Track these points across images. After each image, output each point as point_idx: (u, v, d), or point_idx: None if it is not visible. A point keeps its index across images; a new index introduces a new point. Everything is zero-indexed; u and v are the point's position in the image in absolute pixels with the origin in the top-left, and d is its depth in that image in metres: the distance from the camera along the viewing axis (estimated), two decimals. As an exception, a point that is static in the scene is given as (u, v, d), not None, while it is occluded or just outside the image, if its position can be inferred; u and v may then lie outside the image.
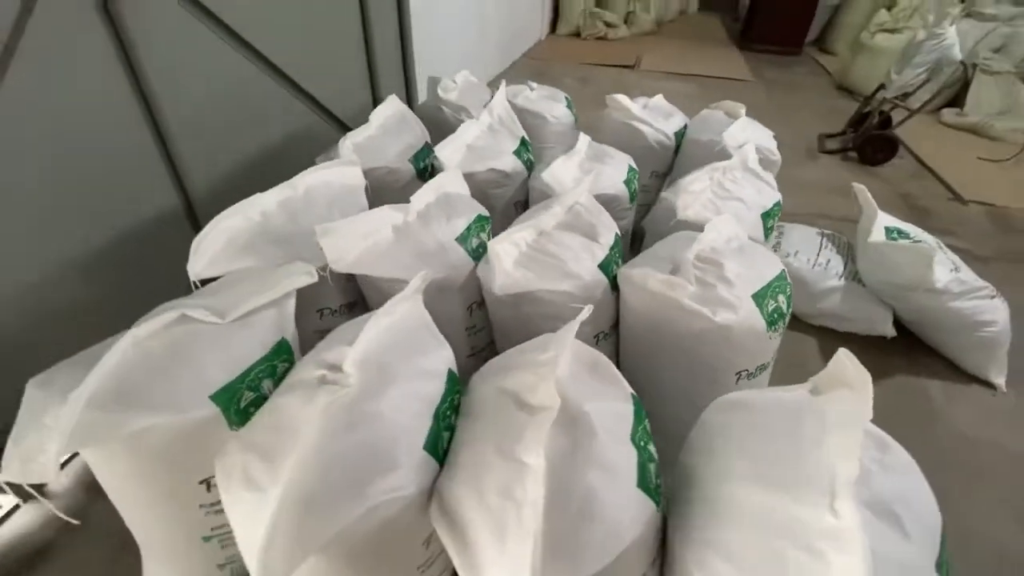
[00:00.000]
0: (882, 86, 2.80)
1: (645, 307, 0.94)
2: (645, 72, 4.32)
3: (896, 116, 2.81)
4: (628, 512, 0.58)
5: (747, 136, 1.50)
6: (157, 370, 0.70)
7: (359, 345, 0.68)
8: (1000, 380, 1.44)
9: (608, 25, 5.20)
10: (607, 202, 1.24)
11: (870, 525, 0.52)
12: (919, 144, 2.99)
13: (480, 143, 1.42)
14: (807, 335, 1.59)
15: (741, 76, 4.38)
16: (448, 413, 0.73)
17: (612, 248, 1.04)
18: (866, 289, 1.54)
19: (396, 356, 0.72)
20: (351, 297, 1.12)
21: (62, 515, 0.71)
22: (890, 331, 1.49)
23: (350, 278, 1.07)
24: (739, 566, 0.53)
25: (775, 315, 0.92)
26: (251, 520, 0.56)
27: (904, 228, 1.54)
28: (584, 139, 1.40)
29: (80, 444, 0.65)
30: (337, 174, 1.16)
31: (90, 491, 1.07)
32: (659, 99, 1.82)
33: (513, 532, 0.53)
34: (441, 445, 0.70)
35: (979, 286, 1.40)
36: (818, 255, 1.61)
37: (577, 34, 5.25)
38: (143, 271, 1.23)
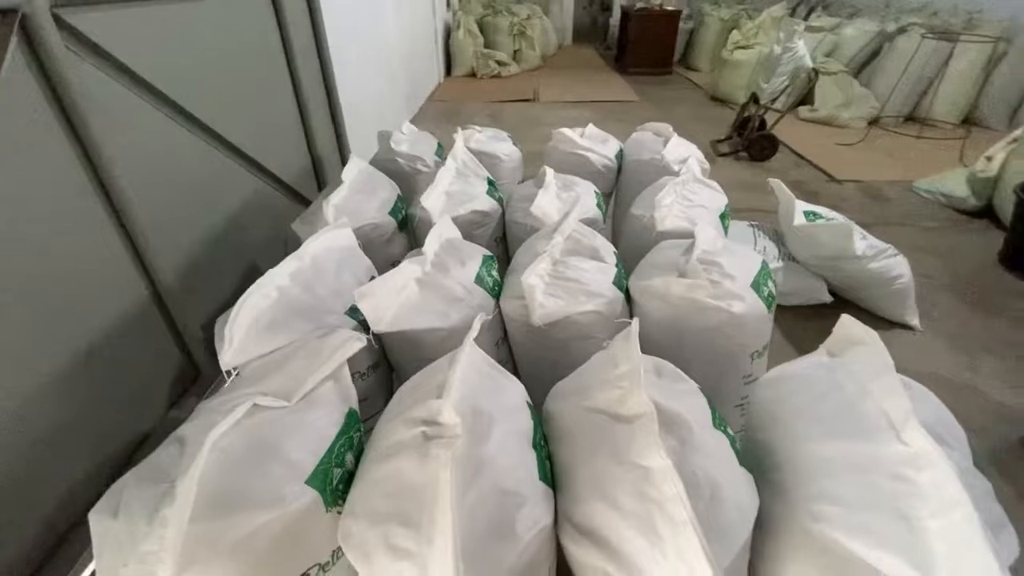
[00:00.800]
0: (754, 95, 3.25)
1: (664, 313, 1.04)
2: (546, 103, 4.63)
3: (769, 118, 3.29)
4: (744, 490, 0.66)
5: (685, 151, 1.70)
6: (245, 467, 0.67)
7: (453, 394, 0.70)
8: (915, 321, 1.74)
9: (500, 64, 5.51)
10: (589, 225, 1.34)
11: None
12: (790, 138, 3.50)
13: (455, 188, 1.47)
14: (762, 314, 1.80)
15: (629, 97, 4.84)
16: (542, 443, 0.77)
17: (617, 265, 1.14)
18: (800, 266, 1.79)
19: (484, 400, 0.75)
20: (375, 359, 1.11)
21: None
22: (827, 297, 1.75)
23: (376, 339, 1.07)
24: (847, 506, 0.63)
25: (769, 299, 1.07)
26: (414, 572, 0.56)
27: (817, 210, 1.81)
28: (550, 171, 1.51)
29: (189, 563, 0.60)
30: (335, 238, 1.16)
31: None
32: (592, 128, 1.99)
33: (666, 529, 0.59)
34: (547, 473, 0.73)
35: (885, 247, 1.68)
36: (755, 245, 1.84)
37: (473, 74, 5.50)
38: (119, 371, 1.13)
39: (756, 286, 1.05)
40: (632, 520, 0.61)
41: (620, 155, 1.91)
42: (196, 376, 1.41)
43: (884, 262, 1.67)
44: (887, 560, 0.57)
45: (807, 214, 1.77)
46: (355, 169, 1.49)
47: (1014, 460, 1.29)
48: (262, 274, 0.97)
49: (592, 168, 1.82)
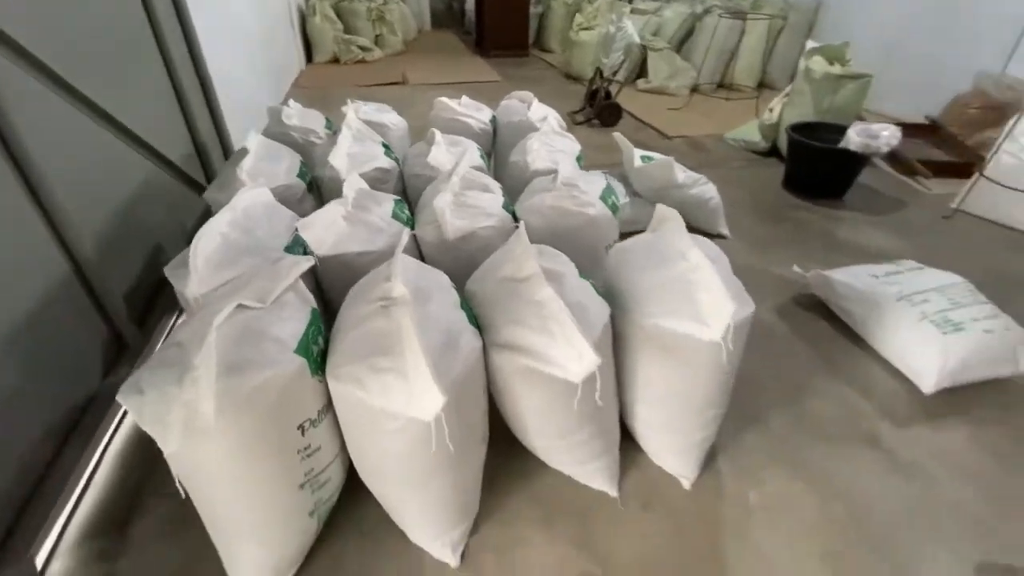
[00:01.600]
0: (599, 69, 3.76)
1: (541, 222, 1.37)
2: (415, 86, 4.81)
3: (613, 89, 3.83)
4: (600, 306, 1.02)
5: (545, 112, 2.06)
6: (242, 345, 0.87)
7: (399, 276, 0.96)
8: (725, 231, 2.30)
9: (363, 49, 5.54)
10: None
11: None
12: (632, 106, 4.10)
13: (355, 151, 1.67)
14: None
15: (492, 78, 5.19)
16: (467, 307, 1.05)
17: (504, 196, 1.45)
18: (643, 199, 2.26)
19: (421, 281, 1.01)
20: (311, 290, 1.30)
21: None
22: (665, 220, 2.24)
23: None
24: (661, 305, 1.00)
25: (614, 207, 1.45)
26: (399, 383, 0.82)
27: (649, 154, 2.29)
28: (438, 132, 1.77)
29: (219, 410, 0.79)
30: (257, 195, 1.32)
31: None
32: (467, 99, 2.28)
33: (556, 327, 0.91)
34: (473, 321, 1.02)
35: (699, 177, 2.21)
36: (619, 203, 2.28)
37: (336, 60, 5.46)
38: (53, 342, 1.19)
39: (604, 198, 1.43)
40: (535, 329, 0.93)
41: (493, 120, 2.22)
42: (124, 347, 1.46)
43: (699, 188, 2.20)
44: (684, 324, 0.96)
45: (643, 158, 2.24)
46: (256, 140, 1.62)
47: (791, 308, 1.86)
48: (167, 254, 1.11)
49: (471, 131, 2.11)
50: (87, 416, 1.27)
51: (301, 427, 0.93)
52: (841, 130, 2.51)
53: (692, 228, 2.27)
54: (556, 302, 0.92)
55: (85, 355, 1.32)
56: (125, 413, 1.43)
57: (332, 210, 1.21)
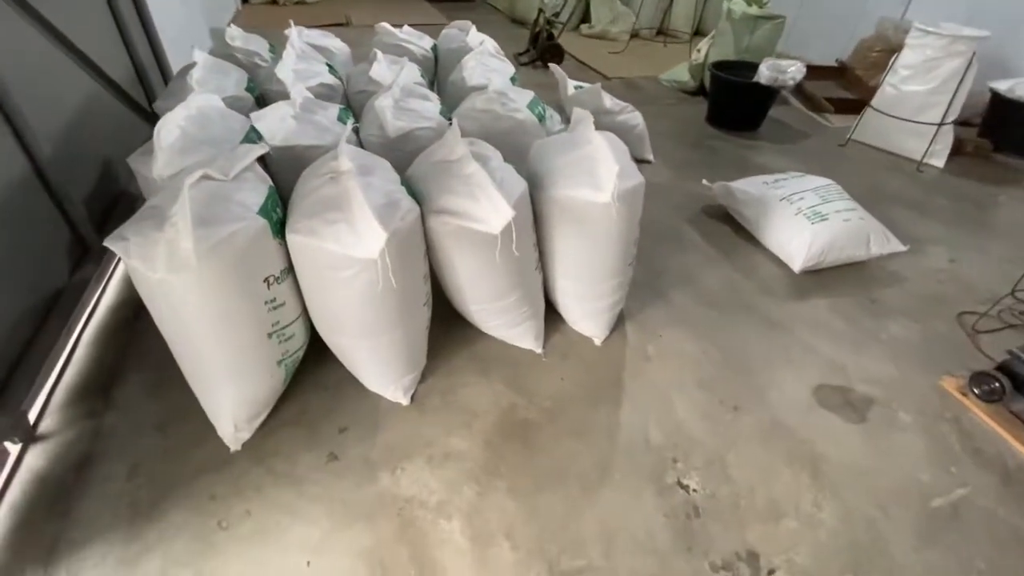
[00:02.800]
0: (541, 11, 3.86)
1: (475, 126, 1.55)
2: (360, 28, 4.74)
3: (555, 31, 3.95)
4: (517, 180, 1.22)
5: (482, 38, 2.19)
6: (211, 204, 1.02)
7: (344, 152, 1.12)
8: (650, 156, 2.55)
9: (303, -12, 5.35)
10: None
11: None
12: (574, 50, 4.23)
13: (300, 67, 1.77)
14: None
15: (439, 22, 5.17)
16: (407, 184, 1.23)
17: (440, 104, 1.61)
18: (576, 125, 2.45)
19: (364, 161, 1.18)
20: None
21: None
22: (596, 144, 2.45)
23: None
24: (570, 178, 1.22)
25: (540, 116, 1.64)
26: (348, 229, 1.00)
27: (582, 84, 2.48)
28: (379, 52, 1.89)
29: (195, 248, 0.94)
30: (208, 99, 1.42)
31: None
32: (408, 28, 2.37)
33: (479, 191, 1.11)
34: (413, 194, 1.20)
35: (625, 105, 2.42)
36: (545, 114, 2.45)
37: (273, 1, 5.26)
38: (18, 238, 1.29)
39: (531, 107, 1.62)
40: (463, 196, 1.12)
41: (435, 48, 2.34)
42: (86, 250, 1.56)
43: (626, 116, 2.41)
44: (583, 191, 1.18)
45: (575, 87, 2.43)
46: (202, 56, 1.69)
47: (700, 216, 2.13)
48: (117, 169, 1.20)
49: (413, 56, 2.22)
50: (61, 304, 1.38)
51: (267, 280, 1.10)
52: (757, 68, 2.77)
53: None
54: (480, 173, 1.12)
55: (52, 252, 1.42)
56: (98, 302, 1.55)
57: (282, 108, 1.34)
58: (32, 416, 1.21)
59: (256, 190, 1.12)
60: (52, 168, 1.41)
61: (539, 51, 3.88)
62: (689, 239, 1.99)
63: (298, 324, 1.23)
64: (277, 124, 1.31)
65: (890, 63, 2.65)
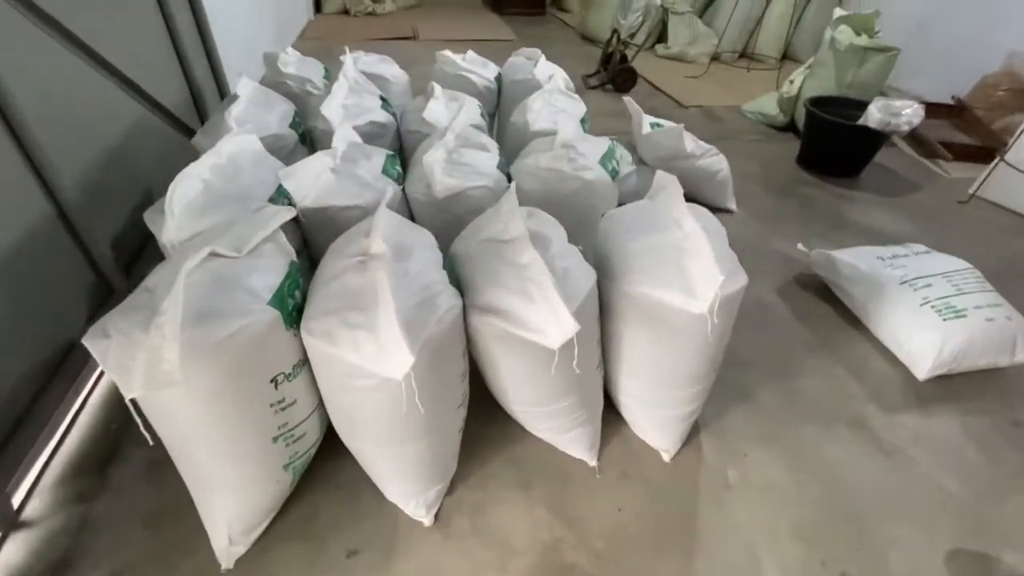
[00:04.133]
0: (615, 31, 3.61)
1: (536, 185, 1.33)
2: (426, 42, 4.65)
3: (629, 53, 3.68)
4: (584, 271, 0.98)
5: (551, 70, 1.97)
6: (213, 293, 0.85)
7: (379, 231, 0.93)
8: (732, 205, 2.24)
9: (374, 1, 5.34)
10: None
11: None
12: (648, 72, 3.95)
13: (350, 102, 1.62)
14: (623, 210, 2.20)
15: (507, 36, 5.01)
16: (451, 266, 1.02)
17: (500, 155, 1.40)
18: (648, 168, 2.19)
19: (403, 238, 0.98)
20: (298, 245, 1.27)
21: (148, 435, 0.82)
22: (670, 191, 2.17)
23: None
24: (648, 272, 0.97)
25: (614, 172, 1.40)
26: (370, 339, 0.80)
27: (660, 121, 2.21)
28: (437, 86, 1.70)
29: (183, 359, 0.77)
30: (244, 142, 1.27)
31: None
32: (472, 54, 2.19)
33: (536, 291, 0.88)
34: (455, 282, 0.99)
35: (708, 148, 2.13)
36: (619, 167, 2.20)
37: (345, 11, 5.28)
38: (35, 286, 1.18)
39: (603, 163, 1.38)
40: (515, 292, 0.90)
41: (499, 78, 2.14)
42: (110, 293, 1.45)
43: (708, 160, 2.12)
44: (670, 293, 0.93)
45: (652, 125, 2.16)
46: (249, 86, 1.56)
47: (791, 287, 1.81)
48: (155, 199, 1.08)
49: (474, 88, 2.03)
50: (70, 360, 1.27)
51: (274, 380, 0.92)
52: (862, 106, 2.40)
53: (699, 201, 2.25)
54: (538, 264, 0.89)
55: (69, 299, 1.31)
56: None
57: (319, 161, 1.17)
58: (18, 499, 1.09)
59: (272, 269, 0.94)
60: (76, 208, 1.30)
61: (611, 74, 3.63)
62: (780, 318, 1.69)
63: (311, 421, 1.05)
64: (311, 181, 1.14)
65: (1036, 111, 2.21)
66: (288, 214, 1.04)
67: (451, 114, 1.57)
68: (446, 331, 0.89)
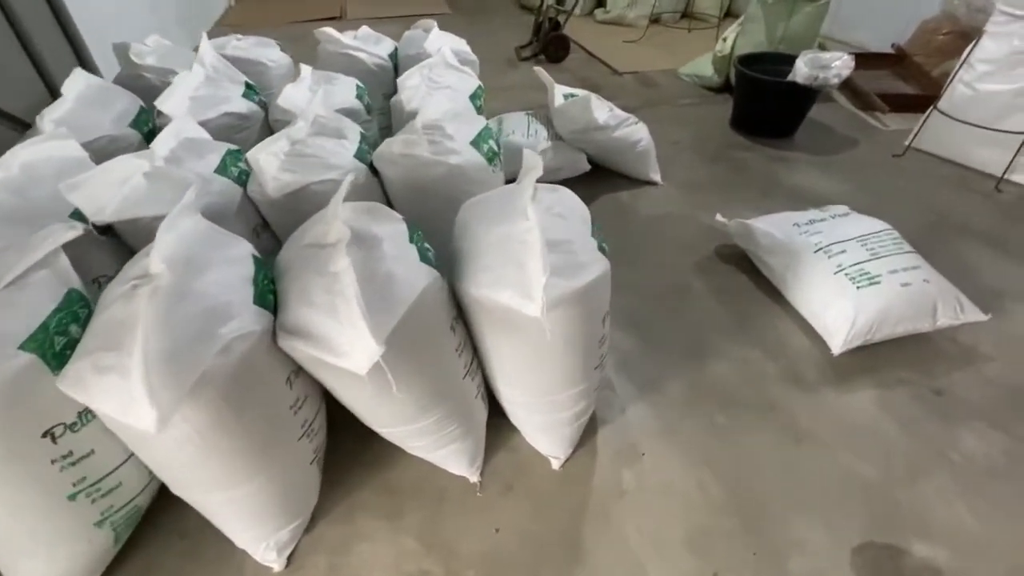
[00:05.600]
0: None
1: (397, 172, 1.18)
2: (353, 20, 4.39)
3: (562, 20, 3.49)
4: (416, 275, 0.84)
5: (442, 42, 1.80)
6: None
7: (156, 252, 0.77)
8: (657, 177, 2.11)
9: (298, -20, 5.01)
10: (346, 115, 1.41)
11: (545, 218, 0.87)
12: (585, 39, 3.76)
13: (202, 93, 1.43)
14: (541, 190, 2.06)
15: (441, 10, 4.76)
16: (266, 281, 0.88)
17: (360, 143, 1.24)
18: (565, 143, 2.04)
19: (201, 250, 0.83)
20: (125, 258, 1.11)
21: None
22: (585, 166, 2.03)
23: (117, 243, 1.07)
24: (492, 270, 0.84)
25: (491, 154, 1.25)
26: (119, 389, 0.66)
27: (574, 92, 2.06)
28: (307, 68, 1.53)
29: None
30: (53, 148, 1.10)
31: None
32: (364, 29, 2.00)
33: (343, 308, 0.74)
34: (269, 302, 0.85)
35: (625, 116, 1.99)
36: (528, 129, 2.05)
37: (268, -6, 4.96)
38: None
39: (477, 143, 1.23)
40: (322, 310, 0.76)
41: (395, 56, 1.96)
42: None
43: (626, 130, 1.98)
44: (507, 294, 0.80)
45: (566, 96, 2.01)
46: (81, 83, 1.37)
47: (711, 261, 1.71)
48: None
49: (363, 67, 1.85)
50: None
51: (50, 434, 0.78)
52: (793, 61, 2.28)
53: (621, 174, 2.12)
54: (347, 274, 0.75)
55: None
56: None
57: (127, 164, 1.01)
58: None
59: (38, 302, 0.79)
60: None
61: (542, 43, 3.44)
62: (696, 295, 1.58)
63: (125, 470, 0.90)
64: (112, 191, 0.97)
65: (964, 55, 2.11)
66: (69, 234, 0.88)
67: (313, 97, 1.40)
68: (240, 362, 0.75)
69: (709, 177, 2.19)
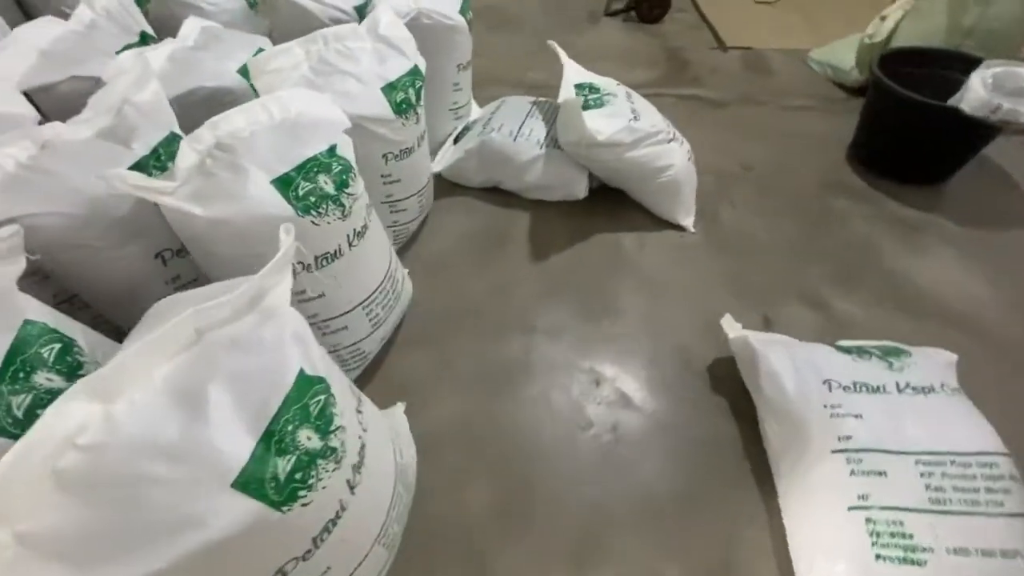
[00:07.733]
0: (650, -68, 2.64)
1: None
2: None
3: (673, -36, 2.70)
4: None
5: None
6: None
7: None
8: (687, 220, 1.49)
9: None
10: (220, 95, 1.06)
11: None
12: (705, -5, 2.92)
13: (61, 48, 1.15)
14: (522, 211, 1.56)
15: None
16: None
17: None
18: (564, 153, 1.50)
19: None
20: None
21: None
22: (581, 192, 1.48)
23: None
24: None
25: (309, 199, 0.83)
26: None
27: (596, 83, 1.48)
28: (194, 22, 1.18)
29: None
30: None
31: None
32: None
33: None
34: None
35: (653, 132, 1.37)
36: (521, 126, 1.54)
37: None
38: None
39: (283, 184, 0.81)
40: None
41: (364, 8, 1.52)
42: None
43: (647, 150, 1.38)
44: None
45: (580, 87, 1.45)
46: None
47: (691, 386, 1.14)
48: None
49: (319, 23, 1.45)
50: None
51: None
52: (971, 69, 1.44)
53: (644, 208, 1.53)
54: None
55: None
56: None
57: None
58: None
59: None
60: None
61: (636, -3, 2.71)
62: (640, 452, 1.04)
63: None
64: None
65: None
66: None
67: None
68: None
69: (772, 235, 1.50)
